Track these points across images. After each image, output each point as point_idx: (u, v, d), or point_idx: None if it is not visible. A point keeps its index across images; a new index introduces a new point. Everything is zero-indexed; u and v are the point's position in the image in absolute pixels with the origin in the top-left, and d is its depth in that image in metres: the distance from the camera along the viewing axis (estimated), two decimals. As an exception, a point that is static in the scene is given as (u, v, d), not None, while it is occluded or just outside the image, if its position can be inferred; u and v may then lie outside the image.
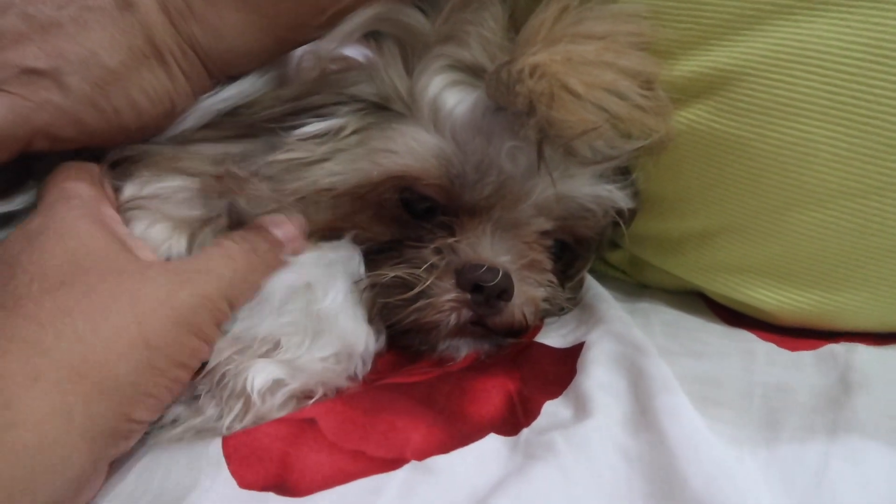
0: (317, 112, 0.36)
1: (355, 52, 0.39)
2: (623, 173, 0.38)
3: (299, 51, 0.39)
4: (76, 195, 0.33)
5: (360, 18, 0.37)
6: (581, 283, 0.41)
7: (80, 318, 0.28)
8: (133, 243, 0.33)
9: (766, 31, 0.34)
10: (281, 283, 0.34)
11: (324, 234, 0.37)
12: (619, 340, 0.35)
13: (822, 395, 0.33)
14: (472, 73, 0.36)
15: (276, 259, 0.35)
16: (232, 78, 0.40)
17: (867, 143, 0.33)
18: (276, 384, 0.32)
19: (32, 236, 0.31)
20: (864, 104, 0.32)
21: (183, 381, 0.31)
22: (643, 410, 0.31)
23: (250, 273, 0.34)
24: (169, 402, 0.31)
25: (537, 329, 0.39)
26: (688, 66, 0.36)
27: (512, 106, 0.33)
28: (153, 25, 0.37)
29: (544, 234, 0.38)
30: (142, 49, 0.36)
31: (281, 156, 0.35)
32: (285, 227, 0.36)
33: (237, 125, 0.37)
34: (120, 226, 0.34)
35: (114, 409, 0.28)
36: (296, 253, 0.36)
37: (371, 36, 0.39)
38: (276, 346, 0.32)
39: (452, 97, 0.35)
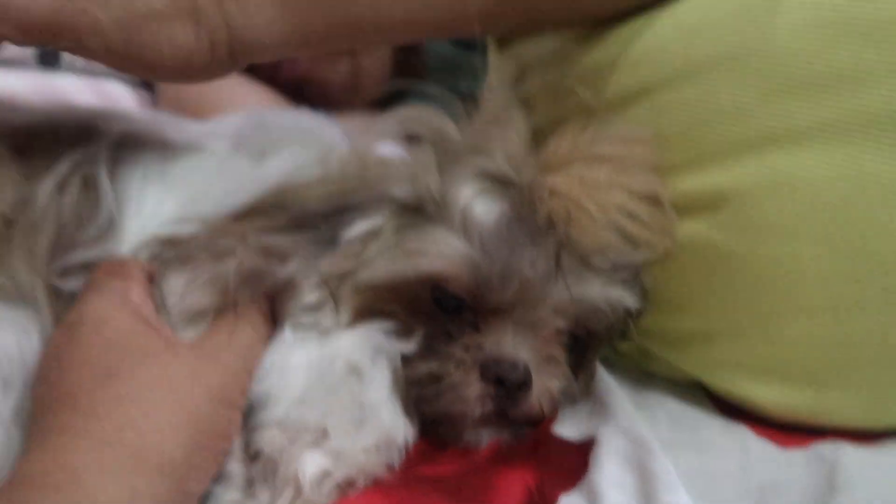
0: (358, 211, 0.39)
1: (391, 151, 0.43)
2: (632, 275, 0.41)
3: (341, 146, 0.42)
4: (107, 285, 0.36)
5: (396, 119, 0.41)
6: (593, 374, 0.44)
7: (131, 406, 0.31)
8: (160, 324, 0.36)
9: (758, 158, 0.37)
10: (330, 367, 0.37)
11: (360, 318, 0.40)
12: (628, 437, 0.38)
13: (811, 495, 0.35)
14: (497, 182, 0.39)
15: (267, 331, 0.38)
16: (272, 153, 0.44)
17: (849, 263, 0.36)
18: (325, 474, 0.34)
19: (72, 330, 0.34)
20: (845, 229, 0.36)
21: (226, 450, 0.34)
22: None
23: (261, 341, 0.37)
24: (216, 471, 0.34)
25: (552, 418, 0.41)
26: (688, 184, 0.39)
27: (535, 219, 0.37)
28: (201, 4, 0.38)
29: (560, 331, 0.41)
30: (184, 4, 0.38)
31: (329, 264, 0.39)
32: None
33: (288, 217, 0.40)
34: (149, 309, 0.36)
35: (172, 487, 0.31)
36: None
37: (406, 137, 0.42)
38: (324, 434, 0.35)
39: (480, 206, 0.39)
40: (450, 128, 0.41)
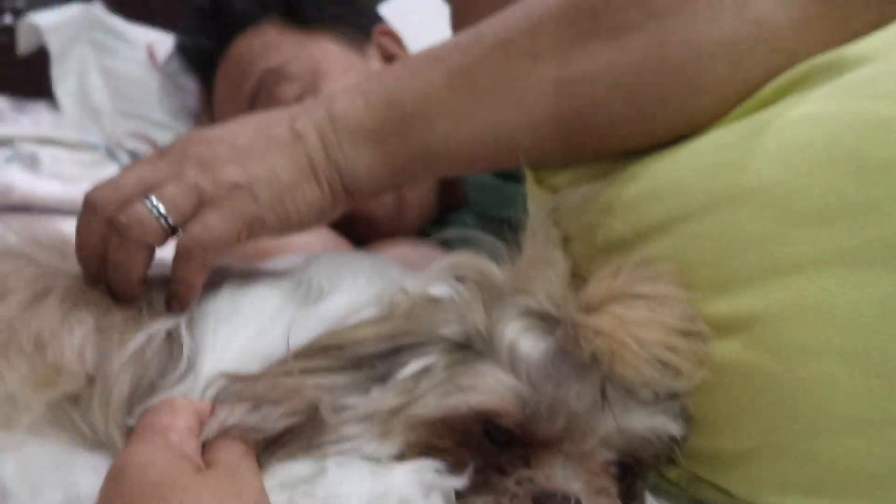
0: (411, 351, 0.42)
1: (439, 290, 0.46)
2: (675, 403, 0.42)
3: (393, 288, 0.46)
4: (151, 428, 0.39)
5: (445, 264, 0.46)
6: (643, 502, 0.44)
7: None
8: (200, 463, 0.38)
9: (783, 283, 0.40)
10: (385, 502, 0.38)
11: (412, 453, 0.41)
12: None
13: None
14: (541, 319, 0.42)
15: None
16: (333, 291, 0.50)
17: (881, 380, 0.37)
18: None
19: (118, 476, 0.37)
20: (873, 348, 0.38)
21: None
22: None
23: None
24: None
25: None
26: (719, 308, 0.42)
27: (580, 356, 0.39)
28: (314, 152, 0.50)
29: (608, 462, 0.42)
30: (306, 169, 0.50)
31: (384, 402, 0.41)
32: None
33: (345, 359, 0.43)
34: (192, 447, 0.39)
35: None
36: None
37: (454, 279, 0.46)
38: None
39: (526, 342, 0.41)
40: (493, 270, 0.44)
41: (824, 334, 0.38)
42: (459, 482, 0.40)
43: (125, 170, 0.51)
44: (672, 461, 0.45)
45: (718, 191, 0.43)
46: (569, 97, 0.47)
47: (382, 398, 0.41)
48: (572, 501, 0.39)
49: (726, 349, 0.41)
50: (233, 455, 0.38)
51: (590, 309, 0.39)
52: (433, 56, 0.52)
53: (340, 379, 0.42)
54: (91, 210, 0.47)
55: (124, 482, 0.36)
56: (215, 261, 0.48)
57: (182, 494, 0.35)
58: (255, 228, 0.49)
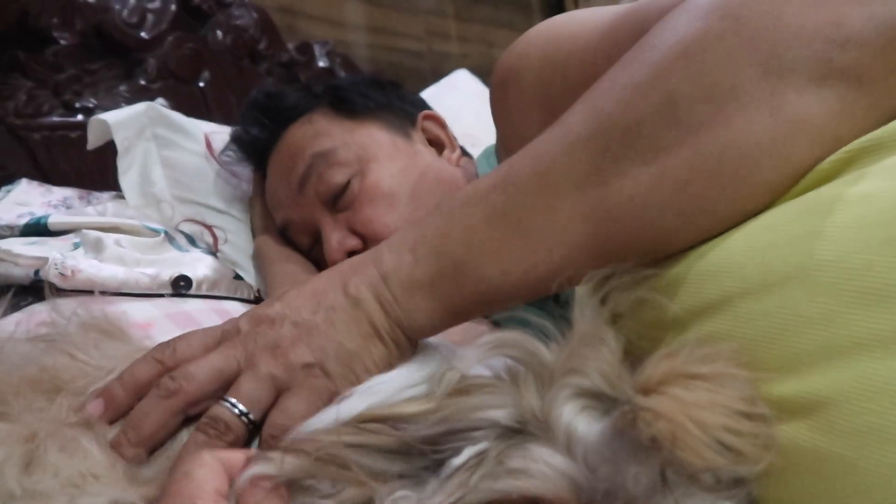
0: (462, 435, 0.42)
1: (488, 369, 0.46)
2: (739, 489, 0.41)
3: (444, 366, 0.47)
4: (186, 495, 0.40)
5: (492, 341, 0.45)
6: None
7: None
8: None
9: (850, 364, 0.38)
10: None
11: None
12: None
13: None
14: (596, 398, 0.42)
15: None
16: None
17: None
18: None
19: None
20: None
21: None
22: None
23: None
24: None
25: None
26: (783, 390, 0.40)
27: (638, 439, 0.38)
28: (373, 314, 0.51)
29: (669, 550, 0.40)
30: (368, 332, 0.51)
31: (438, 498, 0.40)
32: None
33: (394, 439, 0.43)
34: None
35: None
36: None
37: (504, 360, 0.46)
38: None
39: (582, 424, 0.41)
40: (542, 349, 0.44)
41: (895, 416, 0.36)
42: None
43: (190, 339, 0.52)
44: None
45: (775, 269, 0.42)
46: (617, 221, 0.47)
47: (437, 493, 0.40)
48: (630, 591, 0.38)
49: (793, 433, 0.39)
50: None
51: (647, 391, 0.38)
52: (469, 198, 0.52)
53: (390, 465, 0.42)
54: (152, 373, 0.50)
55: None
56: None
57: None
58: (331, 399, 0.49)
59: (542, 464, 0.40)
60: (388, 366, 0.51)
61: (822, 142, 0.44)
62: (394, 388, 0.48)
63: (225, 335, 0.52)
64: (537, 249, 0.49)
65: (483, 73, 1.61)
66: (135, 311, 0.81)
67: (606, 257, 0.48)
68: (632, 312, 0.47)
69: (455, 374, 0.45)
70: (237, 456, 0.44)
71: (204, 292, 0.92)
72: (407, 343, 0.53)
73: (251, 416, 0.48)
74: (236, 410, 0.48)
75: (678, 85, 0.45)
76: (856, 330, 0.38)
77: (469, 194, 0.52)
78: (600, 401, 0.42)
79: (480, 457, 0.41)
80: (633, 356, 0.43)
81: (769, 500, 0.41)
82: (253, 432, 0.49)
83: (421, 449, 0.42)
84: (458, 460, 0.41)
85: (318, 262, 1.00)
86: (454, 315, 0.52)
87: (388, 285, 0.52)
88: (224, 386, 0.49)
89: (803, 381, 0.40)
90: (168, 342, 0.52)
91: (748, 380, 0.40)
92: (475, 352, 0.46)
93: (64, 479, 0.44)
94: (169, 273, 0.89)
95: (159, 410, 0.48)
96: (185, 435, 0.49)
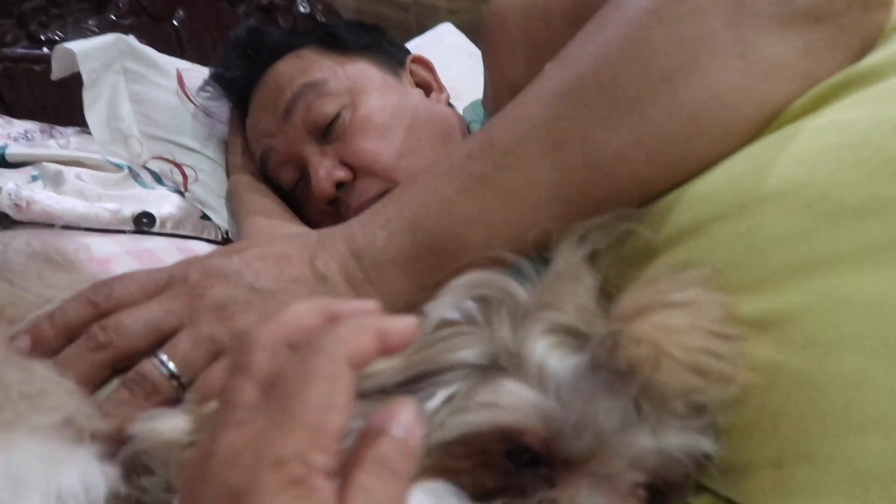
0: (434, 380, 0.41)
1: (459, 312, 0.45)
2: (708, 420, 0.41)
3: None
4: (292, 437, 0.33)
5: (463, 283, 0.44)
6: (671, 533, 0.42)
7: None
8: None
9: (814, 280, 0.39)
10: None
11: (429, 475, 0.39)
12: None
13: None
14: (570, 335, 0.41)
15: (413, 467, 0.29)
16: None
17: None
18: None
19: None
20: None
21: None
22: None
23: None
24: None
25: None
26: (747, 309, 0.41)
27: (615, 367, 0.38)
28: (339, 292, 0.48)
29: (637, 484, 0.40)
30: None
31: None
32: (404, 418, 0.30)
33: (362, 390, 0.41)
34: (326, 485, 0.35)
35: None
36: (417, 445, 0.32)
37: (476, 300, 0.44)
38: None
39: (555, 359, 0.40)
40: (517, 289, 0.43)
41: (857, 329, 0.37)
42: None
43: (129, 282, 0.47)
44: (700, 488, 0.43)
45: (747, 193, 0.43)
46: (602, 175, 0.46)
47: None
48: (599, 525, 0.37)
49: (755, 350, 0.40)
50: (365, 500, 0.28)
51: (626, 319, 0.38)
52: (445, 170, 0.50)
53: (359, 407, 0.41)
54: (83, 317, 0.45)
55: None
56: None
57: None
58: None
59: (513, 397, 0.39)
60: None
61: (795, 80, 0.46)
62: None
63: (171, 281, 0.48)
64: (520, 213, 0.47)
65: (470, 30, 1.57)
66: (95, 246, 0.78)
67: (591, 212, 0.47)
68: (609, 248, 0.46)
69: (430, 321, 0.44)
70: None
71: (168, 231, 0.89)
72: None
73: (182, 380, 0.44)
74: (165, 371, 0.44)
75: (650, 37, 0.46)
76: (822, 248, 0.39)
77: (444, 167, 0.50)
78: (574, 337, 0.41)
79: (452, 397, 0.40)
80: (609, 295, 0.42)
81: (731, 425, 0.41)
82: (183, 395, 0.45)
83: (391, 394, 0.41)
84: (432, 403, 0.40)
85: (300, 201, 0.96)
86: (430, 288, 0.47)
87: (359, 263, 0.49)
88: (160, 340, 0.45)
89: (767, 300, 0.40)
90: (105, 282, 0.48)
91: (723, 303, 0.40)
92: (448, 296, 0.44)
93: (14, 396, 0.42)
94: (131, 209, 0.86)
95: (85, 363, 0.44)
96: (115, 383, 0.45)
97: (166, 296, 0.46)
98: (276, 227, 0.88)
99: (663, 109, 0.45)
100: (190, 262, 0.49)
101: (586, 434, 0.38)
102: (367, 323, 0.30)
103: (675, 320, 0.37)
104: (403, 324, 0.32)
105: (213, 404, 0.34)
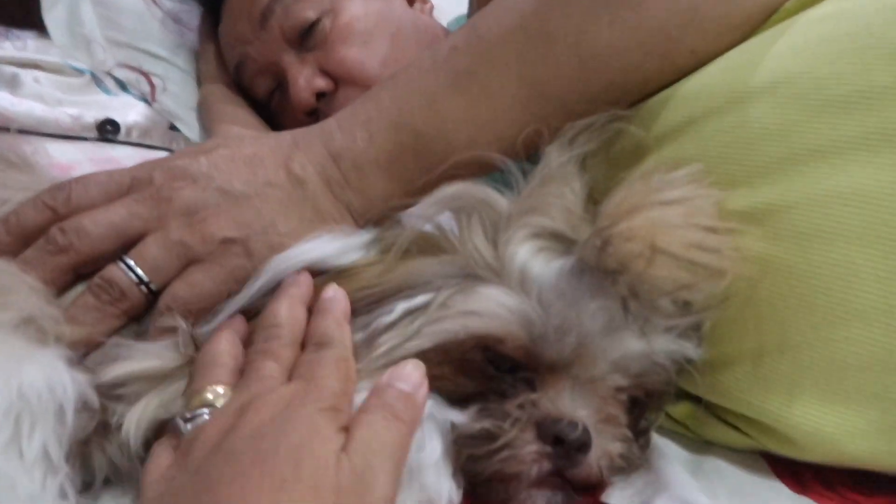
0: (405, 294, 0.39)
1: (434, 227, 0.43)
2: (692, 325, 0.40)
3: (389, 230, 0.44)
4: (326, 385, 0.34)
5: (442, 196, 0.42)
6: (648, 441, 0.42)
7: None
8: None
9: (804, 172, 0.39)
10: None
11: None
12: (685, 505, 0.36)
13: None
14: (555, 240, 0.39)
15: (416, 415, 0.35)
16: None
17: None
18: None
19: (260, 426, 0.32)
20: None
21: None
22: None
23: (403, 446, 0.33)
24: None
25: (604, 487, 0.39)
26: (738, 203, 0.40)
27: (604, 266, 0.36)
28: (318, 197, 0.45)
29: (620, 389, 0.39)
30: (309, 216, 0.44)
31: (377, 351, 0.38)
32: (410, 376, 0.36)
33: None
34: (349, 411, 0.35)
35: None
36: (424, 400, 0.36)
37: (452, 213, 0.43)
38: None
39: (539, 263, 0.38)
40: (496, 198, 0.41)
41: (845, 219, 0.37)
42: (457, 416, 0.38)
43: (89, 184, 0.44)
44: (681, 396, 0.43)
45: (741, 86, 0.42)
46: (597, 68, 0.44)
47: (370, 345, 0.38)
48: (580, 427, 0.36)
49: (747, 244, 0.39)
50: (371, 437, 0.32)
51: (618, 216, 0.36)
52: (429, 65, 0.46)
53: None
54: (40, 221, 0.42)
55: (265, 439, 0.30)
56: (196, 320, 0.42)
57: (315, 469, 0.29)
58: (245, 281, 0.43)
59: (493, 303, 0.38)
60: None
61: None
62: (334, 248, 0.43)
63: (134, 184, 0.44)
64: (509, 111, 0.45)
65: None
66: (56, 151, 0.74)
67: (583, 111, 0.44)
68: (599, 150, 0.44)
69: (398, 234, 0.42)
70: None
71: (134, 140, 0.85)
72: (355, 228, 0.46)
73: (152, 287, 0.41)
74: (133, 276, 0.41)
75: None
76: (816, 138, 0.39)
77: (427, 62, 0.47)
78: (559, 242, 0.39)
79: (424, 307, 0.39)
80: (597, 201, 0.40)
81: (716, 320, 0.41)
82: (154, 303, 0.42)
83: (362, 308, 0.40)
84: (388, 318, 0.39)
85: (276, 114, 0.91)
86: (412, 194, 0.45)
87: (338, 165, 0.45)
88: (125, 246, 0.42)
89: (757, 193, 0.40)
90: (63, 185, 0.44)
91: (715, 199, 0.39)
92: (424, 209, 0.42)
93: None
94: (94, 116, 0.81)
95: (45, 267, 0.41)
96: (81, 288, 0.42)
97: (130, 198, 0.43)
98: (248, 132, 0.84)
99: (660, 1, 0.43)
100: (154, 164, 0.45)
101: (569, 337, 0.37)
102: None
103: (668, 217, 0.36)
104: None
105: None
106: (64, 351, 0.38)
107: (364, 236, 0.44)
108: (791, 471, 0.41)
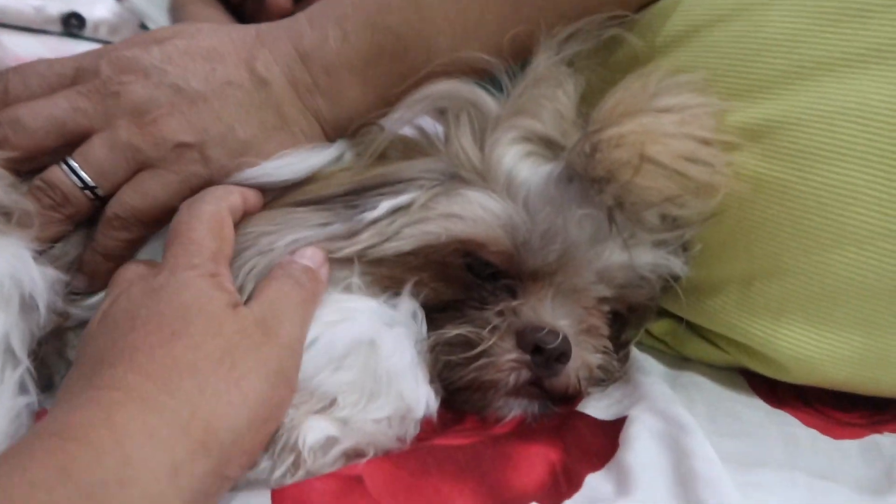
0: (386, 190, 0.37)
1: (419, 126, 0.41)
2: (679, 240, 0.39)
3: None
4: (199, 250, 0.34)
5: (426, 94, 0.39)
6: (628, 355, 0.41)
7: (186, 375, 0.29)
8: (235, 298, 0.33)
9: (808, 86, 0.37)
10: (345, 335, 0.34)
11: (384, 286, 0.38)
12: (663, 417, 0.35)
13: (867, 488, 0.33)
14: (544, 144, 0.37)
15: (319, 287, 0.36)
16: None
17: None
18: (329, 442, 0.32)
19: (154, 290, 0.32)
20: None
21: (272, 433, 0.31)
22: (686, 491, 0.32)
23: (308, 308, 0.35)
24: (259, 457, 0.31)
25: (580, 398, 0.39)
26: (740, 116, 0.38)
27: (592, 173, 0.34)
28: (283, 100, 0.40)
29: (602, 300, 0.38)
30: (272, 122, 0.40)
31: (356, 246, 0.37)
32: (310, 254, 0.37)
33: (312, 201, 0.39)
34: (229, 282, 0.34)
35: (213, 468, 0.28)
36: (327, 278, 0.37)
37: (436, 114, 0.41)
38: (332, 403, 0.33)
39: (526, 168, 0.37)
40: (484, 98, 0.39)
41: (848, 137, 0.35)
42: (435, 331, 0.37)
43: (28, 74, 0.40)
44: (662, 313, 0.43)
45: None
46: None
47: (349, 240, 0.37)
48: (560, 336, 0.35)
49: (743, 161, 0.37)
50: (276, 296, 0.34)
51: (610, 120, 0.34)
52: None
53: (312, 217, 0.38)
54: None
55: (160, 301, 0.32)
56: (151, 231, 0.40)
57: (214, 331, 0.31)
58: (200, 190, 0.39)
59: (477, 206, 0.36)
60: None
61: None
62: (306, 166, 0.40)
63: (79, 75, 0.40)
64: (498, 9, 0.41)
65: None
66: (15, 44, 0.69)
67: (578, 13, 0.41)
68: (598, 53, 0.42)
69: (383, 137, 0.39)
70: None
71: (102, 37, 0.79)
72: (323, 139, 0.42)
73: (99, 192, 0.38)
74: (77, 180, 0.37)
75: None
76: (824, 49, 0.36)
77: None
78: (548, 148, 0.37)
79: (405, 206, 0.37)
80: (591, 105, 0.38)
81: (705, 238, 0.40)
82: (101, 210, 0.39)
83: (340, 202, 0.38)
84: (373, 214, 0.37)
85: (252, 18, 0.84)
86: (389, 98, 0.42)
87: (307, 66, 0.41)
88: (68, 144, 0.38)
89: (758, 108, 0.38)
90: None
91: (715, 109, 0.37)
92: (405, 109, 0.39)
93: None
94: (58, 8, 0.76)
95: None
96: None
97: (73, 90, 0.39)
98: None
99: None
100: (101, 53, 0.41)
101: (554, 245, 0.35)
102: (232, 188, 0.38)
103: (662, 125, 0.34)
104: (256, 194, 0.40)
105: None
106: (29, 242, 0.36)
107: (335, 151, 0.41)
108: (768, 386, 0.41)
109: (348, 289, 0.37)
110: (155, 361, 0.29)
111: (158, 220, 0.39)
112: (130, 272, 0.36)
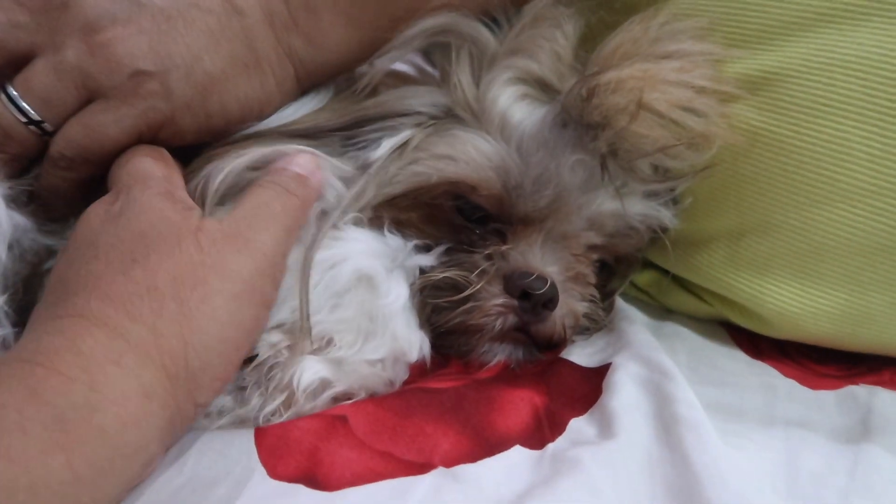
0: (380, 125, 0.36)
1: (411, 65, 0.40)
2: (669, 191, 0.39)
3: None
4: (151, 175, 0.33)
5: (424, 28, 0.37)
6: (612, 305, 0.41)
7: (147, 299, 0.28)
8: (196, 213, 0.32)
9: (808, 37, 0.36)
10: (341, 271, 0.34)
11: (374, 226, 0.37)
12: (646, 364, 0.36)
13: (843, 436, 0.33)
14: (539, 87, 0.37)
15: (310, 193, 0.34)
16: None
17: None
18: (322, 384, 0.32)
19: (113, 217, 0.31)
20: None
21: (245, 355, 0.31)
22: (668, 434, 0.32)
23: (294, 216, 0.33)
24: (231, 381, 0.30)
25: (564, 346, 0.39)
26: (738, 66, 0.37)
27: (587, 118, 0.34)
28: (256, 34, 0.36)
29: (591, 248, 0.38)
30: (242, 58, 0.36)
31: (351, 192, 0.36)
32: (301, 160, 0.35)
33: (300, 133, 0.37)
34: (186, 196, 0.33)
35: (184, 394, 0.28)
36: (320, 185, 0.35)
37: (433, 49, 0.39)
38: (329, 343, 0.32)
39: (521, 110, 0.36)
40: (483, 33, 0.37)
41: (845, 91, 0.35)
42: (426, 258, 0.36)
43: None
44: (646, 264, 0.43)
45: None
46: None
47: (349, 185, 0.36)
48: (548, 282, 0.35)
49: (739, 113, 0.37)
50: (255, 204, 0.32)
51: (607, 65, 0.33)
52: None
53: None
54: None
55: (119, 227, 0.30)
56: (99, 171, 0.35)
57: (175, 254, 0.30)
58: (161, 132, 0.35)
59: (470, 148, 0.35)
60: (259, 112, 0.37)
61: None
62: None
63: None
64: None
65: None
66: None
67: None
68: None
69: (374, 72, 0.38)
70: None
71: None
72: (295, 85, 0.38)
73: (45, 127, 0.33)
74: (20, 114, 0.33)
75: None
76: (828, 0, 0.35)
77: None
78: (544, 91, 0.37)
79: (399, 147, 0.36)
80: (590, 49, 0.37)
81: (696, 191, 0.39)
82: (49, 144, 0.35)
83: (330, 136, 0.37)
84: (376, 153, 0.36)
85: None
86: (376, 41, 0.38)
87: (285, 2, 0.37)
88: (8, 66, 0.34)
89: (756, 59, 0.37)
90: None
91: (716, 57, 0.36)
92: (397, 48, 0.37)
93: None
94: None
95: None
96: None
97: (13, 1, 0.34)
98: None
99: None
100: None
101: (547, 190, 0.35)
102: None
103: (661, 71, 0.33)
104: None
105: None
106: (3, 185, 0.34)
107: (309, 103, 0.38)
108: (749, 338, 0.41)
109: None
110: (116, 288, 0.28)
111: (109, 161, 0.35)
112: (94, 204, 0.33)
